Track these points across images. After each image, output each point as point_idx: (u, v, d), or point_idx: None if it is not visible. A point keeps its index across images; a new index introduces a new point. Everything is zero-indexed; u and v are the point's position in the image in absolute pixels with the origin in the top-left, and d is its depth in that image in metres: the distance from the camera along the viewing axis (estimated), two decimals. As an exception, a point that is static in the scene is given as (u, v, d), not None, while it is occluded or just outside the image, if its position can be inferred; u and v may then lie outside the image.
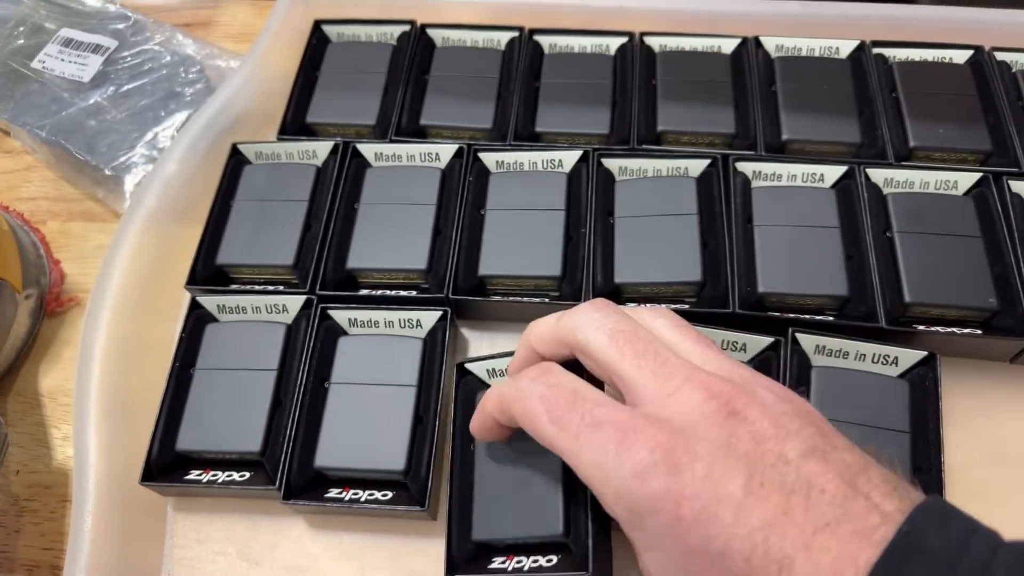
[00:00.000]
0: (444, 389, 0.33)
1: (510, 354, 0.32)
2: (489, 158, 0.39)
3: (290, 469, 0.32)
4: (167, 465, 0.33)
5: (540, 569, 0.29)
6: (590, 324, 0.25)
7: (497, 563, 0.29)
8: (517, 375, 0.26)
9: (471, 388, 0.33)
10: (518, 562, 0.29)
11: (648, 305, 0.36)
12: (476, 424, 0.28)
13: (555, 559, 0.29)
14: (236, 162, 0.41)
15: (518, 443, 0.30)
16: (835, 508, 0.19)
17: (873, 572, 0.18)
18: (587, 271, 0.35)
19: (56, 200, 0.45)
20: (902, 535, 0.18)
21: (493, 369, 0.33)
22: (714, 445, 0.21)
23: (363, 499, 0.31)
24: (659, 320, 0.26)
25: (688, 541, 0.20)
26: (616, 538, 0.31)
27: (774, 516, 0.19)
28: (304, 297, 0.35)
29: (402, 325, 0.35)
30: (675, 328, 0.26)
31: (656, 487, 0.20)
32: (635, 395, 0.23)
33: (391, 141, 0.40)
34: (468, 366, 0.33)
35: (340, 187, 0.39)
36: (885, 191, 0.38)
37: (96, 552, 0.31)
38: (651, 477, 0.20)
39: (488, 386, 0.33)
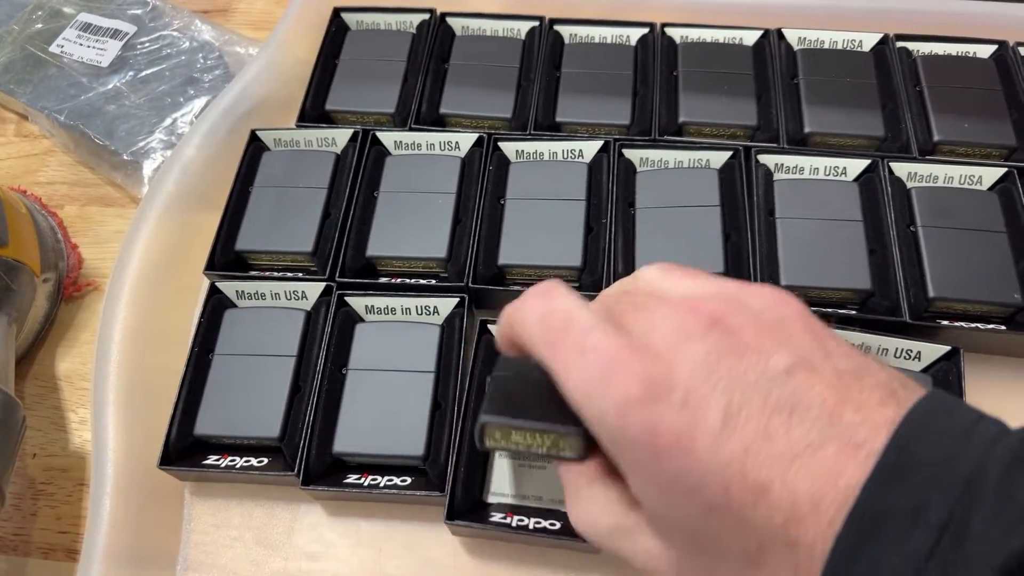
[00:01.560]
0: (463, 375, 0.33)
1: None
2: (509, 147, 0.39)
3: (308, 455, 0.31)
4: (185, 450, 0.33)
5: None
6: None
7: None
8: (524, 295, 0.25)
9: (491, 347, 0.33)
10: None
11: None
12: (498, 337, 0.28)
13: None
14: (255, 148, 0.41)
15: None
16: (820, 426, 0.18)
17: (859, 498, 0.17)
18: (608, 262, 0.35)
19: (74, 185, 0.45)
20: (891, 450, 0.17)
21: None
22: (694, 367, 0.19)
23: (382, 485, 0.31)
24: (647, 272, 0.25)
25: (667, 473, 0.19)
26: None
27: (752, 442, 0.18)
28: (324, 284, 0.35)
29: (419, 312, 0.35)
30: (664, 271, 0.25)
31: (634, 420, 0.19)
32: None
33: (411, 129, 0.40)
34: (491, 326, 0.33)
35: (359, 175, 0.38)
36: (909, 185, 0.38)
37: (113, 536, 0.31)
38: (630, 410, 0.20)
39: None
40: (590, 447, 0.24)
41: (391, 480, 0.32)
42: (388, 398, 0.33)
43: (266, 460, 0.32)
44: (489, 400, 0.25)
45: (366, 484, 0.31)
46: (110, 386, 0.34)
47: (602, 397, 0.20)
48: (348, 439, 0.32)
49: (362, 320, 0.35)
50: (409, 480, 0.32)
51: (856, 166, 0.38)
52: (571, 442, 0.24)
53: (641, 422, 0.19)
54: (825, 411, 0.18)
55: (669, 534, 0.21)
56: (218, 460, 0.32)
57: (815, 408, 0.18)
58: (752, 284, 0.22)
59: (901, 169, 0.38)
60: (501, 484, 0.32)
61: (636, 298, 0.23)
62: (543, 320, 0.23)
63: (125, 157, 0.42)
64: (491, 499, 0.32)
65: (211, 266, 0.37)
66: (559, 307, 0.23)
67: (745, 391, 0.19)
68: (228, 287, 0.36)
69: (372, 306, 0.35)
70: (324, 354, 0.33)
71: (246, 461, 0.32)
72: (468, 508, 0.31)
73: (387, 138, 0.40)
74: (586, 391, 0.21)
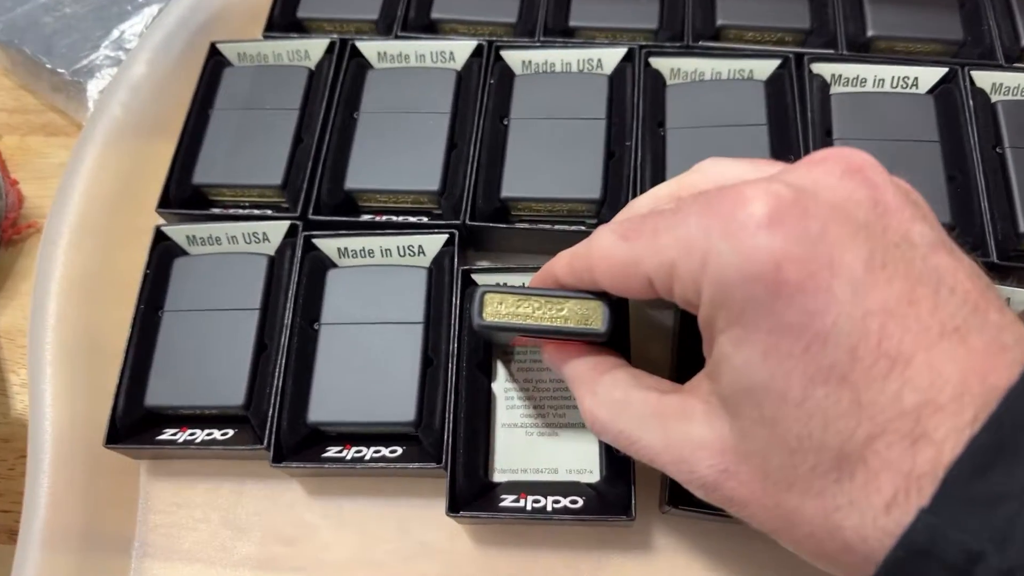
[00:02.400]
0: (457, 325, 0.28)
1: (531, 270, 0.27)
2: (514, 57, 0.33)
3: (279, 425, 0.27)
4: (135, 424, 0.28)
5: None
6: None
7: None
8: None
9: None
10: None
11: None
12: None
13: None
14: (215, 64, 0.35)
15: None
16: (965, 314, 0.16)
17: (1008, 396, 0.15)
18: (633, 193, 0.30)
19: (13, 112, 0.39)
20: None
21: (504, 283, 0.28)
22: (829, 206, 0.17)
23: (368, 457, 0.27)
24: (713, 163, 0.22)
25: (785, 315, 0.16)
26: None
27: (896, 303, 0.16)
28: (288, 223, 0.30)
29: (401, 253, 0.30)
30: (736, 160, 0.21)
31: (754, 244, 0.16)
32: None
33: (397, 38, 0.35)
34: (475, 276, 0.28)
35: (337, 93, 0.33)
36: (994, 98, 0.32)
37: (55, 517, 0.27)
38: (747, 233, 0.17)
39: None
40: (613, 326, 0.21)
41: (378, 451, 0.27)
42: (369, 355, 0.28)
43: (231, 432, 0.28)
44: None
45: (348, 457, 0.27)
46: (47, 345, 0.29)
47: (707, 231, 0.17)
48: (325, 406, 0.27)
49: (334, 265, 0.30)
50: (399, 450, 0.27)
51: (930, 76, 0.32)
52: (593, 307, 0.20)
53: (765, 248, 0.16)
54: (970, 301, 0.16)
55: (745, 416, 0.18)
56: (175, 434, 0.28)
57: (960, 294, 0.17)
58: None
59: (984, 79, 0.32)
60: (508, 459, 0.27)
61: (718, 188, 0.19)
62: (617, 225, 0.20)
63: (67, 77, 0.37)
64: (497, 477, 0.27)
65: (165, 203, 0.31)
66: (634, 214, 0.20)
67: (888, 250, 0.17)
68: (176, 232, 0.30)
69: (345, 248, 0.30)
70: (292, 306, 0.28)
71: (208, 434, 0.28)
72: (473, 494, 0.26)
73: (369, 48, 0.34)
74: (684, 239, 0.18)
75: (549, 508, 0.25)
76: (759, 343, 0.17)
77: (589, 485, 0.27)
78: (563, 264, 0.22)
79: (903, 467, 0.15)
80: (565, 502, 0.26)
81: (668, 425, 0.19)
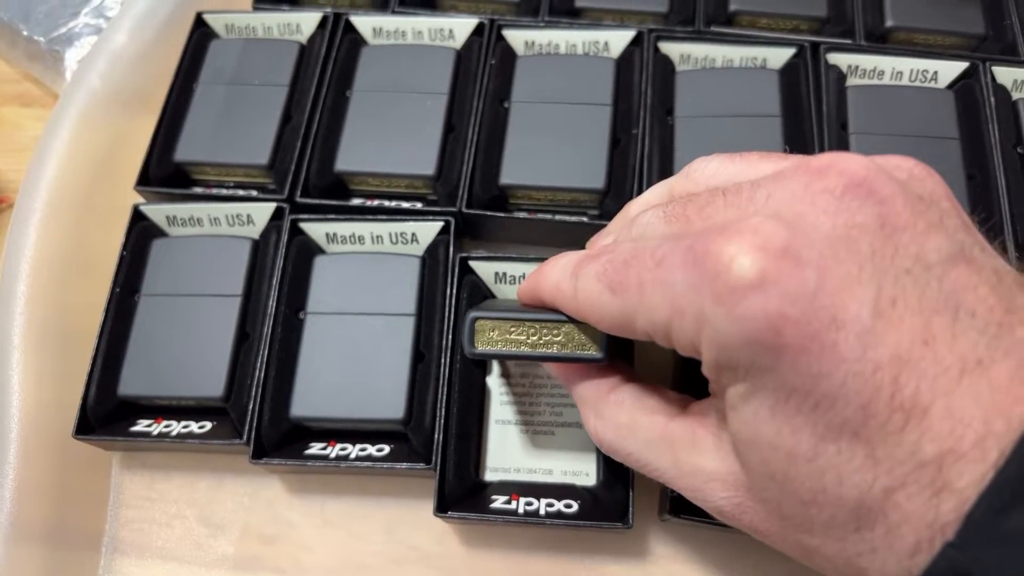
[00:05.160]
0: (450, 318, 0.26)
1: (531, 260, 0.26)
2: (516, 37, 0.32)
3: (260, 419, 0.25)
4: (108, 414, 0.26)
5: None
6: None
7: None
8: (580, 262, 0.20)
9: (474, 291, 0.27)
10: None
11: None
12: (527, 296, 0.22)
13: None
14: (201, 36, 0.33)
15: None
16: (988, 338, 0.15)
17: None
18: (638, 183, 0.28)
19: (-13, 80, 0.37)
20: None
21: (503, 274, 0.27)
22: (828, 242, 0.15)
23: (353, 456, 0.25)
24: (708, 164, 0.20)
25: (790, 377, 0.15)
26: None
27: (910, 347, 0.14)
28: (274, 205, 0.28)
29: (393, 240, 0.28)
30: (730, 158, 0.20)
31: (747, 309, 0.15)
32: None
33: (393, 12, 0.33)
34: (473, 264, 0.27)
35: (329, 70, 0.31)
36: (1015, 95, 0.30)
37: (21, 510, 0.25)
38: (738, 297, 0.15)
39: (493, 295, 0.28)
40: (612, 349, 0.20)
41: (364, 449, 0.26)
42: (358, 348, 0.26)
43: (209, 425, 0.26)
44: (478, 306, 0.21)
45: (333, 455, 0.25)
46: (16, 327, 0.27)
47: (697, 290, 0.16)
48: (309, 400, 0.26)
49: (322, 251, 0.28)
50: (387, 449, 0.26)
51: (950, 70, 0.31)
52: (590, 331, 0.19)
53: (759, 311, 0.15)
54: (993, 319, 0.15)
55: (756, 468, 0.16)
56: (149, 426, 0.26)
57: (981, 314, 0.15)
58: (882, 155, 0.17)
59: (1006, 75, 0.30)
60: (500, 457, 0.26)
61: (708, 195, 0.18)
62: (602, 274, 0.18)
63: (44, 45, 0.35)
64: (489, 476, 0.26)
65: (144, 180, 0.30)
66: (618, 251, 0.18)
67: (899, 280, 0.15)
68: (155, 211, 0.29)
69: (334, 234, 0.28)
70: (276, 294, 0.27)
71: (184, 426, 0.26)
72: (463, 494, 0.25)
73: (364, 23, 0.32)
74: (671, 298, 0.16)
75: (542, 512, 0.24)
76: (766, 400, 0.16)
77: (585, 488, 0.25)
78: (549, 293, 0.21)
79: (926, 518, 0.14)
80: (559, 506, 0.24)
81: (678, 453, 0.19)
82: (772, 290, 0.15)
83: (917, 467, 0.14)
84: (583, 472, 0.26)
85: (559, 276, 0.20)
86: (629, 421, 0.20)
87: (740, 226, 0.16)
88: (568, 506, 0.24)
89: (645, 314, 0.17)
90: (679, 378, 0.25)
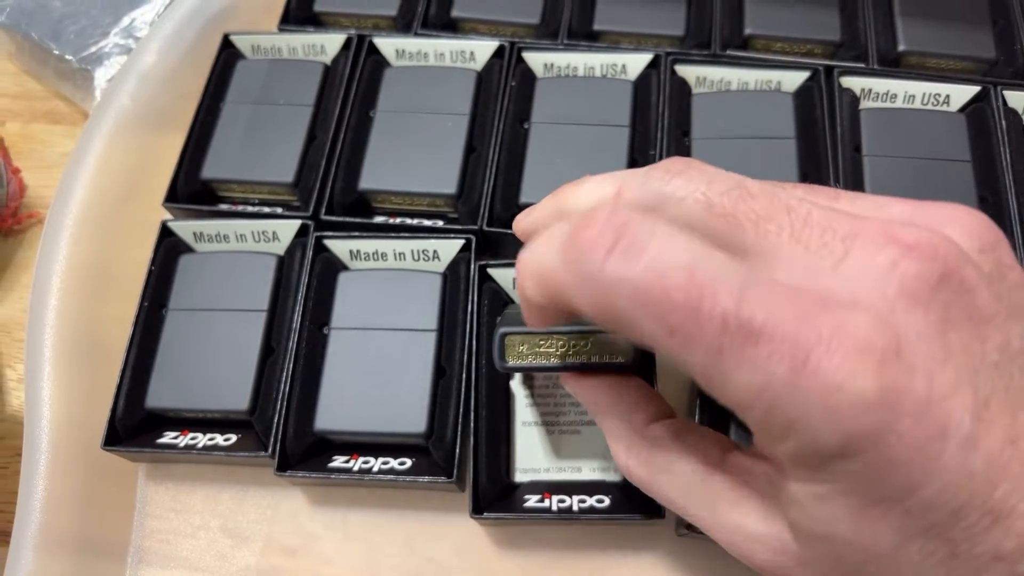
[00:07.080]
0: (472, 334, 0.27)
1: None
2: (536, 59, 0.32)
3: (285, 433, 0.26)
4: (135, 426, 0.27)
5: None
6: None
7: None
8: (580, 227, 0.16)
9: (493, 299, 0.27)
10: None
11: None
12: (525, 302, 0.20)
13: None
14: (228, 56, 0.34)
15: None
16: None
17: None
18: (656, 204, 0.29)
19: (17, 98, 0.38)
20: None
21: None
22: (924, 340, 0.14)
23: (376, 469, 0.26)
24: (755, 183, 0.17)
25: (882, 489, 0.14)
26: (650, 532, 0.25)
27: (1000, 449, 0.14)
28: (299, 222, 0.29)
29: (416, 257, 0.29)
30: (797, 186, 0.18)
31: (862, 425, 0.13)
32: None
33: (416, 35, 0.34)
34: (492, 271, 0.28)
35: (353, 90, 0.32)
36: (1026, 119, 0.31)
37: (49, 520, 0.26)
38: (858, 411, 0.13)
39: (512, 300, 0.28)
40: (639, 358, 0.20)
41: (387, 463, 0.26)
42: (380, 363, 0.27)
43: (234, 438, 0.27)
44: (504, 320, 0.21)
45: (356, 468, 0.26)
46: (47, 340, 0.28)
47: (797, 390, 0.14)
48: (332, 413, 0.26)
49: (346, 268, 0.29)
50: (409, 463, 0.26)
51: (962, 94, 0.31)
52: (617, 340, 0.19)
53: (871, 426, 0.13)
54: None
55: (817, 554, 0.16)
56: (176, 438, 0.27)
57: None
58: (933, 205, 0.16)
59: (1017, 99, 0.31)
60: (529, 458, 0.26)
61: (765, 200, 0.16)
62: (642, 291, 0.15)
63: (74, 64, 0.36)
64: (519, 477, 0.26)
65: (172, 197, 0.30)
66: (664, 261, 0.14)
67: (988, 376, 0.14)
68: (183, 227, 0.29)
69: (358, 251, 0.29)
70: (301, 309, 0.27)
71: (210, 439, 0.27)
72: (496, 495, 0.25)
73: (387, 45, 0.33)
74: (762, 387, 0.14)
75: (575, 508, 0.24)
76: (848, 504, 0.15)
77: (615, 484, 0.26)
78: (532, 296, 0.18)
79: None
80: (591, 501, 0.25)
81: (717, 507, 0.17)
82: (892, 408, 0.13)
83: (993, 561, 0.14)
84: (611, 468, 0.26)
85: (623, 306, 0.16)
86: (665, 463, 0.19)
87: (831, 324, 0.14)
88: (600, 501, 0.25)
89: (715, 381, 0.15)
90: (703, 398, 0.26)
